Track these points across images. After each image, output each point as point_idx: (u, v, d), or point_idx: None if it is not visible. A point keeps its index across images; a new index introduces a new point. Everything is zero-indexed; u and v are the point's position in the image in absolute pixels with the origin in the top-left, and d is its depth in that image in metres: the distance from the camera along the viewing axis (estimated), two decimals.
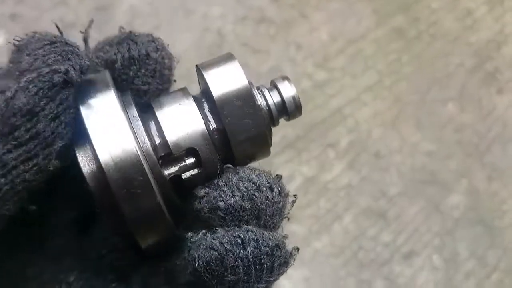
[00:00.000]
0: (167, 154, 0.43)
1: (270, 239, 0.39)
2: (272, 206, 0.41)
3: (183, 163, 0.43)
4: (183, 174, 0.43)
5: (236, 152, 0.44)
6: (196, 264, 0.39)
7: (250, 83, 0.45)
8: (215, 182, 0.42)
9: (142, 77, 0.46)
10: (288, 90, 0.47)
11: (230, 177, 0.42)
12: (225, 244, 0.39)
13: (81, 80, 0.41)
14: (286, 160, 1.07)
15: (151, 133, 0.43)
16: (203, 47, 1.10)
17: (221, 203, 0.40)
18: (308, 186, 1.06)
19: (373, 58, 1.18)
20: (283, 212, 0.42)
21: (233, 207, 0.40)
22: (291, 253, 0.41)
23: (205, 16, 1.13)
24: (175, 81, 0.48)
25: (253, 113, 0.44)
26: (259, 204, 0.40)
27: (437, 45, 1.23)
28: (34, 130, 0.38)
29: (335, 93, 1.14)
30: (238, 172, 0.42)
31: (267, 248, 0.39)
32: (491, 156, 1.16)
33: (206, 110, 0.44)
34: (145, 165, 0.40)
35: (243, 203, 0.40)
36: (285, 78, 0.48)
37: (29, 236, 0.45)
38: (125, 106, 0.42)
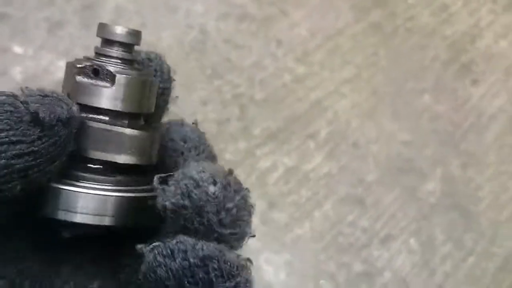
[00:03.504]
0: None
1: (202, 249, 0.38)
2: (213, 202, 0.39)
3: None
4: None
5: None
6: (140, 276, 0.40)
7: None
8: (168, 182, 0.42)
9: None
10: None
11: (177, 175, 0.41)
12: (157, 256, 0.39)
13: None
14: (268, 152, 1.11)
15: None
16: (186, 44, 1.14)
17: (167, 203, 0.40)
18: (290, 175, 1.10)
19: (351, 53, 1.23)
20: (233, 208, 0.40)
21: (176, 205, 0.40)
22: (242, 265, 0.40)
23: (188, 13, 1.17)
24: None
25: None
26: (197, 201, 0.39)
27: (413, 39, 1.28)
28: None
29: (314, 86, 1.18)
30: (183, 168, 0.41)
31: (196, 260, 0.38)
32: (466, 144, 1.20)
33: None
34: None
35: (182, 201, 0.40)
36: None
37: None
38: None
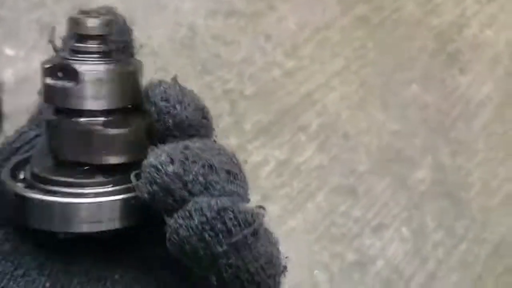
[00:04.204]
0: None
1: (216, 204, 0.41)
2: (176, 179, 0.42)
3: None
4: None
5: None
6: (167, 244, 0.42)
7: None
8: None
9: None
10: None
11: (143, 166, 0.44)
12: (178, 219, 0.41)
13: None
14: (260, 146, 1.12)
15: None
16: (177, 41, 1.15)
17: (145, 195, 0.42)
18: (282, 168, 1.11)
19: (340, 45, 1.24)
20: (195, 177, 0.42)
21: (149, 194, 0.42)
22: (256, 213, 0.42)
23: (177, 11, 1.18)
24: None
25: None
26: (162, 183, 0.41)
27: (400, 31, 1.29)
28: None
29: (304, 79, 1.19)
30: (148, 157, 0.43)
31: (213, 213, 0.40)
32: (455, 132, 1.22)
33: None
34: None
35: (151, 188, 0.42)
36: None
37: None
38: None
